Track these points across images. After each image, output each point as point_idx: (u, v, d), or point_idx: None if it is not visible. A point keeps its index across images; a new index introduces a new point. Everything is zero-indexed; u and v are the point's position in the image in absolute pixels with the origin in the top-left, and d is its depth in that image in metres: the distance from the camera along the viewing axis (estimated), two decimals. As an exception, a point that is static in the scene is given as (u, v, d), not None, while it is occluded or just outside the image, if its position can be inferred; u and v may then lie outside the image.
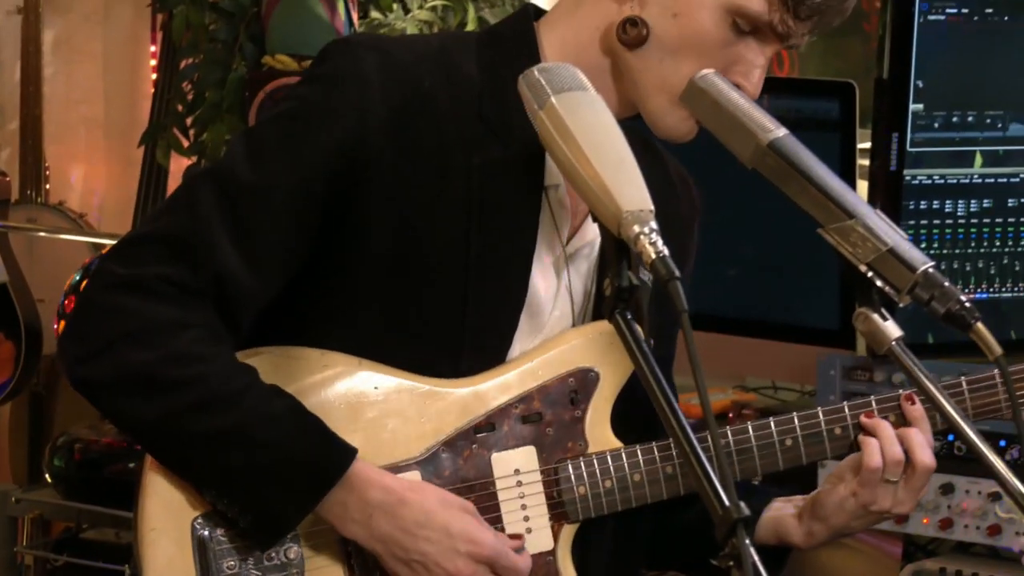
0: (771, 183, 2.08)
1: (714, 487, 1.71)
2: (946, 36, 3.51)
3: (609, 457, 2.30)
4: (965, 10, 3.50)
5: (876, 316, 2.01)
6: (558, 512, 2.30)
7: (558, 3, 2.38)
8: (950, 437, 3.46)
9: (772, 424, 2.34)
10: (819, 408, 2.38)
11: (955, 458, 3.44)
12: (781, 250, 3.54)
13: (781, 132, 2.06)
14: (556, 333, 2.34)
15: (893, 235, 1.99)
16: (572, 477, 2.29)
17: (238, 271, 2.19)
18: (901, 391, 2.38)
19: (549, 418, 2.31)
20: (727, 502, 1.70)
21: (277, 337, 2.28)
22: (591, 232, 2.34)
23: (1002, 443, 3.32)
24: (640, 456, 2.30)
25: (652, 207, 1.90)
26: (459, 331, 2.27)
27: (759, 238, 3.55)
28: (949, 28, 3.51)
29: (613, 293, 1.88)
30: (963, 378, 2.31)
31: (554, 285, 2.34)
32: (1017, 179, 3.56)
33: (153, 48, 5.43)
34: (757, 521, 2.44)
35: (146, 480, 2.27)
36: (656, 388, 1.81)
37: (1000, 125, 3.55)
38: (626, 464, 2.30)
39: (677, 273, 1.81)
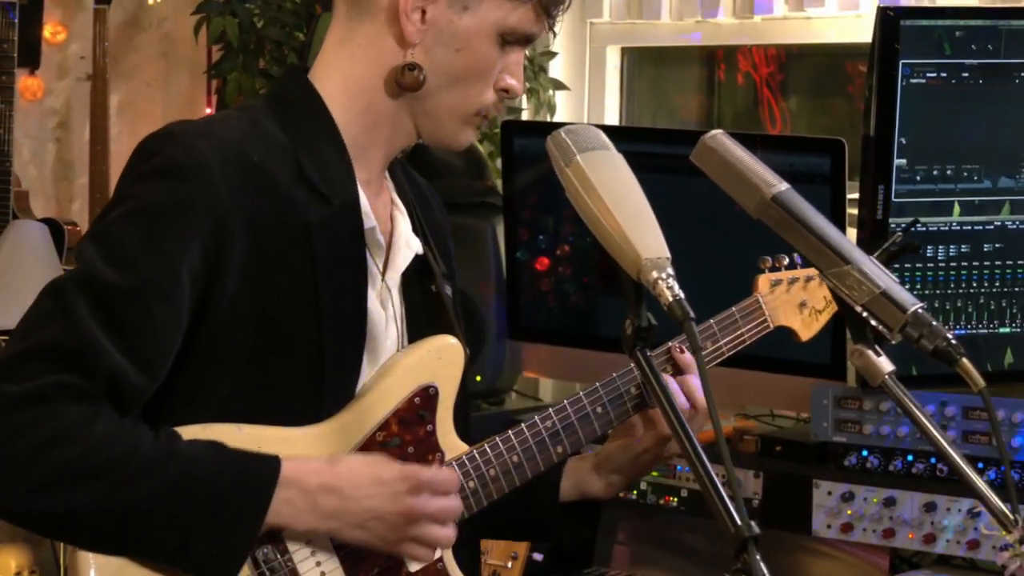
0: (773, 232, 2.08)
1: (728, 509, 1.71)
2: (927, 98, 3.50)
3: (466, 460, 2.31)
4: (943, 74, 3.50)
5: (870, 352, 2.01)
6: None
7: (320, 56, 2.39)
8: (932, 460, 3.45)
9: (583, 396, 2.39)
10: (614, 374, 2.44)
11: (937, 479, 3.43)
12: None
13: (783, 186, 2.06)
14: (388, 358, 2.36)
15: (885, 279, 1.99)
16: (460, 475, 2.32)
17: (128, 372, 2.14)
18: (670, 343, 2.46)
19: (408, 438, 2.32)
20: (739, 522, 1.70)
21: (161, 417, 2.23)
22: (400, 260, 2.38)
23: (980, 465, 3.31)
24: (490, 453, 2.33)
25: (668, 255, 1.91)
26: (321, 380, 2.28)
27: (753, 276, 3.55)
28: (929, 90, 3.51)
29: (633, 332, 1.89)
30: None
31: (382, 316, 2.36)
32: (992, 227, 3.55)
33: (208, 110, 5.43)
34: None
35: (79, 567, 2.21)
36: (676, 422, 1.81)
37: (976, 178, 3.55)
38: (480, 463, 2.32)
39: (692, 314, 1.83)
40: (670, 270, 1.90)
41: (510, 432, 2.35)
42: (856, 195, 3.60)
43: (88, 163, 5.51)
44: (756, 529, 1.70)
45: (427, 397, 2.33)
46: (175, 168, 2.21)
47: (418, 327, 2.40)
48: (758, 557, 1.66)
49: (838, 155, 3.55)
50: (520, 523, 2.60)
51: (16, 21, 5.08)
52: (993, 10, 3.85)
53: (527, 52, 2.42)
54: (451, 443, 2.34)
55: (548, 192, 3.82)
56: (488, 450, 2.33)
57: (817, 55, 4.68)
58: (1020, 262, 3.59)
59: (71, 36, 5.67)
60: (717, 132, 2.14)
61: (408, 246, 2.40)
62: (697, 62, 4.89)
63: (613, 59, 4.83)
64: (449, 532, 2.27)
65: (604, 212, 1.98)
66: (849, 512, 3.51)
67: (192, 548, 2.18)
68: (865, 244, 3.47)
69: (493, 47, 2.29)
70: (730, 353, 2.44)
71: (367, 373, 2.34)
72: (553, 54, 4.76)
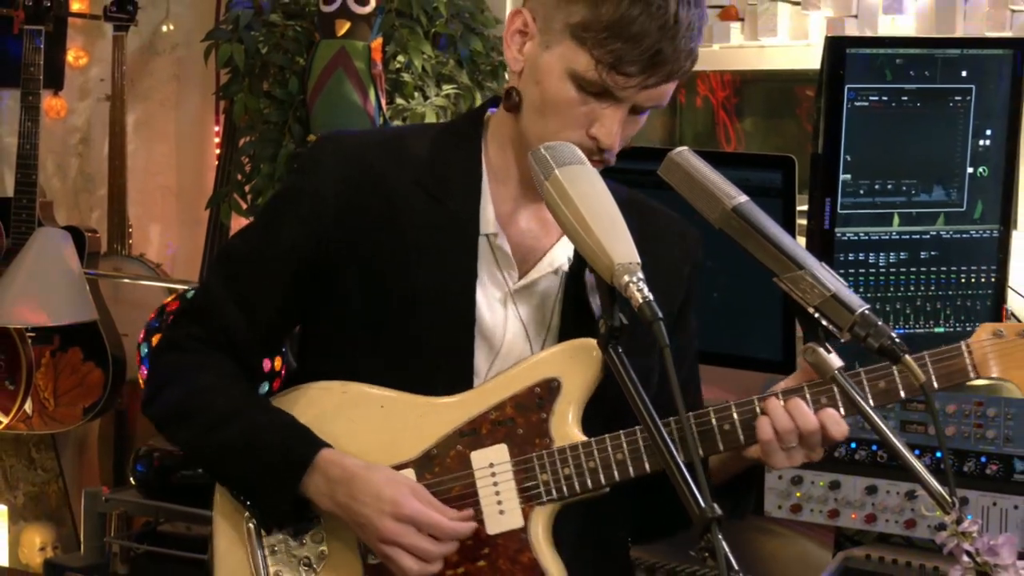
0: (734, 240, 2.07)
1: (692, 492, 1.70)
2: (869, 119, 3.50)
3: (568, 449, 2.27)
4: (885, 98, 3.50)
5: (822, 350, 2.00)
6: (527, 495, 2.28)
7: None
8: (873, 447, 3.45)
9: (711, 411, 2.25)
10: (754, 398, 2.27)
11: (878, 465, 3.43)
12: (737, 296, 3.53)
13: (743, 198, 2.06)
14: (512, 355, 2.34)
15: (835, 283, 1.99)
16: (536, 467, 2.27)
17: (238, 325, 2.38)
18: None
19: (519, 421, 2.29)
20: (704, 504, 1.69)
21: (320, 375, 2.38)
22: (538, 274, 2.34)
23: (916, 452, 3.31)
24: (595, 447, 2.27)
25: (639, 260, 1.90)
26: (422, 356, 2.32)
27: (721, 286, 3.54)
28: (872, 112, 3.50)
29: (607, 331, 1.88)
30: (860, 369, 2.23)
31: (502, 314, 2.33)
32: (928, 236, 3.55)
33: (217, 128, 5.42)
34: None
35: (217, 487, 2.42)
36: (642, 409, 1.81)
37: (914, 192, 3.55)
38: (582, 454, 2.27)
39: (660, 315, 1.83)
40: (640, 274, 1.90)
41: (621, 432, 2.29)
42: (805, 207, 3.59)
43: (107, 176, 5.50)
44: (719, 511, 1.69)
45: (549, 389, 2.29)
46: (303, 166, 2.48)
47: (570, 334, 2.34)
48: (720, 536, 1.65)
49: (789, 171, 3.54)
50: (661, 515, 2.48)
51: (42, 47, 5.07)
52: (929, 40, 3.85)
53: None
54: (564, 433, 2.28)
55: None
56: (594, 443, 2.28)
57: (769, 80, 4.67)
58: (953, 268, 3.59)
59: (92, 60, 5.65)
60: (683, 149, 2.14)
61: (553, 262, 2.35)
62: (661, 86, 4.89)
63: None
64: (417, 567, 2.22)
65: (580, 221, 1.98)
66: (798, 494, 3.50)
67: (248, 497, 2.34)
68: (815, 252, 3.47)
69: (568, 87, 2.21)
70: (906, 395, 2.18)
71: (484, 363, 2.33)
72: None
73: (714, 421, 2.24)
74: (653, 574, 3.61)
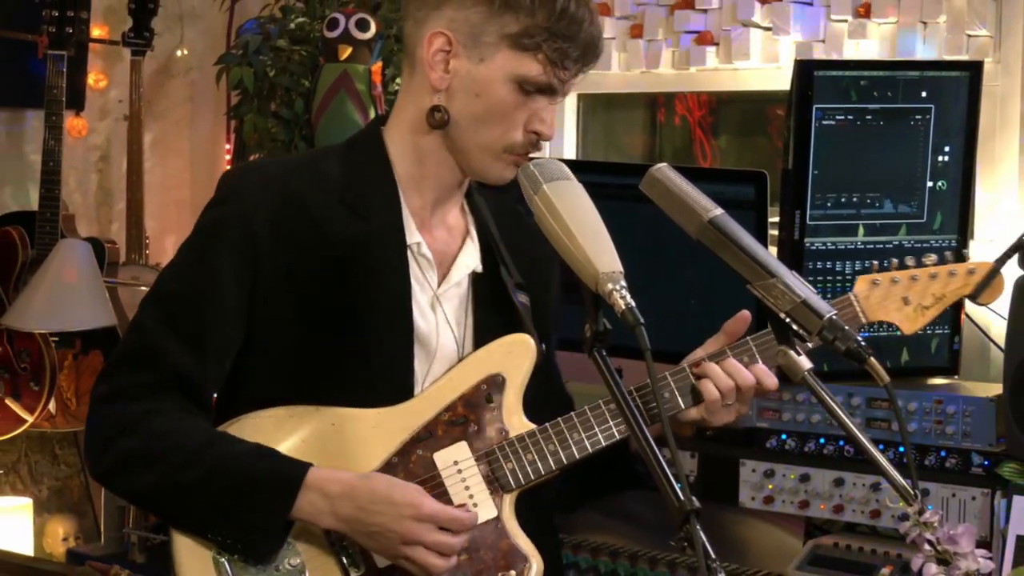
0: (710, 250, 2.07)
1: (672, 486, 1.70)
2: (836, 136, 3.51)
3: (526, 436, 2.29)
4: (851, 117, 3.51)
5: (792, 352, 2.00)
6: (495, 486, 2.29)
7: (395, 103, 2.40)
8: (840, 442, 3.45)
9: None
10: (685, 364, 2.39)
11: (845, 458, 3.43)
12: (713, 302, 3.53)
13: (718, 211, 2.06)
14: (446, 356, 2.34)
15: (805, 290, 1.99)
16: (499, 457, 2.28)
17: (187, 363, 2.25)
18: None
19: (472, 417, 2.30)
20: (683, 497, 1.68)
21: (258, 403, 2.29)
22: (456, 276, 2.36)
23: (881, 447, 3.31)
24: (551, 431, 2.29)
25: (622, 269, 1.91)
26: (367, 369, 2.28)
27: (698, 293, 3.54)
28: (839, 130, 3.51)
29: (592, 335, 1.88)
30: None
31: (432, 319, 2.34)
32: (891, 245, 3.55)
33: (228, 146, 5.41)
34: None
35: (174, 538, 2.27)
36: (626, 410, 1.80)
37: (877, 204, 3.55)
38: (540, 439, 2.29)
39: (642, 320, 1.83)
40: (623, 282, 1.90)
41: (573, 413, 2.31)
42: (777, 219, 3.60)
43: (125, 191, 5.49)
44: (697, 503, 1.69)
45: (494, 383, 2.31)
46: (225, 197, 2.32)
47: (494, 330, 2.37)
48: (699, 527, 1.65)
49: (761, 185, 3.55)
50: (600, 483, 2.54)
51: (64, 70, 5.06)
52: (891, 63, 3.85)
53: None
54: (516, 423, 2.31)
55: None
56: (548, 428, 2.30)
57: (743, 101, 4.67)
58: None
59: (111, 83, 5.65)
60: (662, 165, 2.13)
61: (466, 265, 2.38)
62: (641, 106, 4.89)
63: (571, 104, 4.82)
64: (442, 562, 2.21)
65: (567, 233, 1.99)
66: (770, 486, 3.50)
67: (231, 533, 2.22)
68: (785, 261, 3.47)
69: (511, 92, 2.25)
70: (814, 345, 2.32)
71: (422, 368, 2.33)
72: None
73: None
74: (635, 561, 3.60)
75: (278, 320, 2.26)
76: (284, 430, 2.26)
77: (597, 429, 2.30)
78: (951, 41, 3.94)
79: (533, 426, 2.31)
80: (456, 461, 2.29)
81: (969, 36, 3.92)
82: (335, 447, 2.26)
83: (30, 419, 4.99)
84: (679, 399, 2.32)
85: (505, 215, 2.48)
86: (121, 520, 4.45)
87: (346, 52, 4.41)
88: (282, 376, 2.29)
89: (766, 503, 3.52)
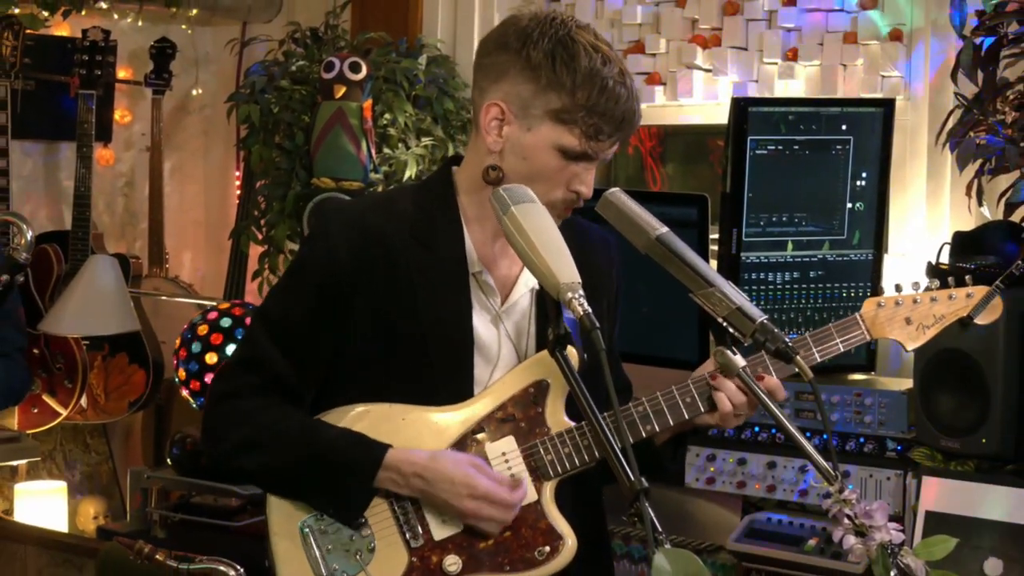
0: (658, 263, 2.07)
1: (624, 468, 1.70)
2: (768, 164, 3.52)
3: (564, 433, 2.30)
4: (780, 147, 3.52)
5: (729, 352, 2.01)
6: (536, 474, 2.30)
7: (465, 157, 2.41)
8: (773, 431, 3.46)
9: (674, 389, 2.31)
10: (706, 374, 2.31)
11: (776, 445, 3.44)
12: (661, 308, 3.54)
13: (664, 229, 2.07)
14: (508, 364, 2.35)
15: (739, 298, 2.00)
16: (540, 450, 2.30)
17: (288, 372, 2.35)
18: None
19: (520, 416, 2.32)
20: (632, 478, 1.69)
21: (345, 400, 2.36)
22: (516, 296, 2.36)
23: (808, 434, 3.32)
24: (586, 429, 2.29)
25: (579, 280, 1.91)
26: (432, 375, 2.32)
27: (648, 301, 3.55)
28: (770, 158, 3.52)
29: (555, 338, 1.89)
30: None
31: (495, 333, 2.34)
32: (816, 259, 3.57)
33: (237, 173, 5.40)
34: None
35: (268, 505, 2.37)
36: (583, 400, 1.81)
37: (804, 223, 3.57)
38: (576, 435, 2.30)
39: (597, 325, 1.84)
40: (581, 291, 1.91)
41: (606, 414, 2.30)
42: (717, 236, 3.61)
43: (147, 213, 5.48)
44: (646, 484, 1.70)
45: (540, 388, 2.32)
46: (313, 236, 2.41)
47: (544, 340, 2.33)
48: (647, 505, 1.66)
49: (703, 207, 3.56)
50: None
51: (94, 107, 5.05)
52: (815, 100, 3.87)
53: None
54: (557, 421, 2.32)
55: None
56: (584, 426, 2.30)
57: (687, 133, 4.68)
58: (837, 285, 3.61)
59: (135, 118, 5.63)
60: (615, 189, 2.14)
61: (526, 285, 2.38)
62: (599, 138, 4.89)
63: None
64: (497, 529, 2.28)
65: (532, 248, 1.99)
66: (712, 469, 3.51)
67: (326, 499, 2.32)
68: (724, 272, 3.48)
69: (553, 158, 2.25)
70: (823, 358, 2.32)
71: (484, 373, 2.35)
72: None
73: (677, 395, 2.30)
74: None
75: (361, 335, 2.31)
76: (364, 423, 2.32)
77: (625, 428, 2.30)
78: (867, 80, 3.96)
79: (572, 424, 2.32)
80: (504, 452, 2.31)
81: (883, 77, 3.94)
82: (408, 437, 2.30)
83: (64, 413, 4.97)
84: (699, 404, 2.31)
85: (578, 240, 2.38)
86: (145, 501, 4.44)
87: (340, 91, 4.40)
88: (362, 380, 2.34)
89: (708, 484, 3.53)
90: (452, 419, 2.32)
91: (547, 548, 2.29)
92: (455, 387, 2.33)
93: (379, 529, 2.31)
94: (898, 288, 2.38)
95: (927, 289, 2.38)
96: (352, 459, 2.28)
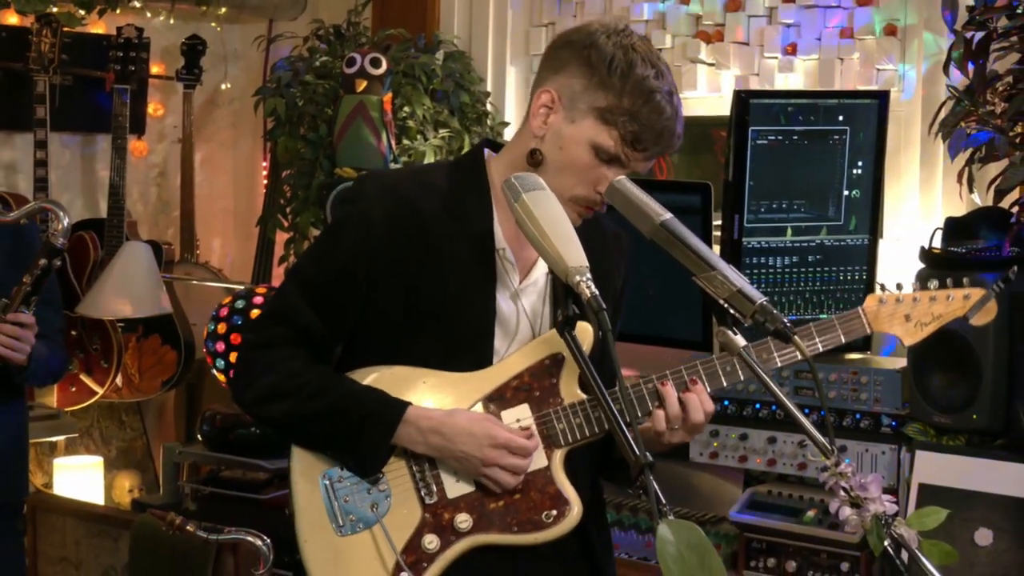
0: (662, 248, 2.07)
1: (630, 443, 1.70)
2: (768, 153, 3.51)
3: (576, 404, 2.31)
4: (780, 137, 3.51)
5: (730, 332, 2.00)
6: (548, 441, 2.31)
7: (509, 143, 2.40)
8: (773, 407, 3.45)
9: (683, 369, 2.32)
10: (714, 357, 2.33)
11: (777, 421, 3.44)
12: (667, 291, 3.54)
13: (667, 215, 2.05)
14: (524, 338, 2.35)
15: (740, 280, 1.98)
16: (553, 419, 2.31)
17: (315, 324, 2.33)
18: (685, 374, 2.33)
19: (535, 386, 2.32)
20: (639, 452, 1.68)
21: (369, 360, 2.35)
22: (534, 276, 2.36)
23: (806, 411, 3.31)
24: (619, 394, 2.28)
25: (587, 264, 1.90)
26: (453, 341, 2.31)
27: (654, 284, 3.54)
28: (770, 148, 3.51)
29: (563, 319, 1.88)
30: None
31: (514, 309, 2.34)
32: (814, 244, 3.56)
33: (264, 164, 5.40)
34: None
35: (292, 455, 2.38)
36: (590, 378, 1.80)
37: (802, 210, 3.56)
38: (588, 407, 2.30)
39: (604, 306, 1.83)
40: (588, 275, 1.91)
41: (616, 388, 2.31)
42: (719, 222, 3.60)
43: (179, 201, 5.49)
44: (651, 458, 1.69)
45: (555, 360, 2.33)
46: (349, 198, 2.39)
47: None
48: (652, 478, 1.65)
49: (706, 194, 3.55)
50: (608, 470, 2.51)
51: (128, 101, 5.05)
52: (814, 92, 3.86)
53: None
54: (570, 392, 2.32)
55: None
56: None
57: (691, 125, 4.62)
58: (834, 268, 3.59)
59: (167, 111, 5.63)
60: (622, 178, 2.13)
61: (544, 268, 2.37)
62: (608, 129, 4.87)
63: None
64: (513, 480, 2.28)
65: (542, 234, 1.99)
66: (715, 444, 3.51)
67: (346, 451, 2.32)
68: (726, 256, 3.47)
69: (587, 154, 2.24)
70: (825, 348, 2.33)
71: (503, 346, 2.34)
72: (507, 124, 4.75)
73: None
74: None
75: (388, 297, 2.30)
76: (386, 382, 2.32)
77: (635, 402, 2.31)
78: (863, 73, 3.94)
79: (584, 396, 2.32)
80: (518, 419, 2.32)
81: (878, 70, 3.92)
82: (428, 398, 2.31)
83: (100, 391, 4.98)
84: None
85: (590, 231, 2.38)
86: (176, 475, 4.46)
87: (362, 85, 4.40)
88: (388, 341, 2.33)
89: (712, 458, 3.52)
90: (471, 384, 2.32)
91: (554, 512, 2.29)
92: (475, 356, 2.32)
93: (396, 484, 2.31)
94: (899, 287, 2.40)
95: (926, 289, 2.39)
96: (373, 413, 2.28)
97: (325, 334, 2.35)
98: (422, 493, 2.31)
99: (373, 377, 2.33)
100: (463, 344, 2.32)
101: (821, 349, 2.32)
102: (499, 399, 2.32)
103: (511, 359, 2.34)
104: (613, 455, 2.37)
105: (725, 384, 2.32)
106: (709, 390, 2.31)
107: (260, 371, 2.35)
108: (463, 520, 2.29)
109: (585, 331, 2.27)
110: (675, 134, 2.26)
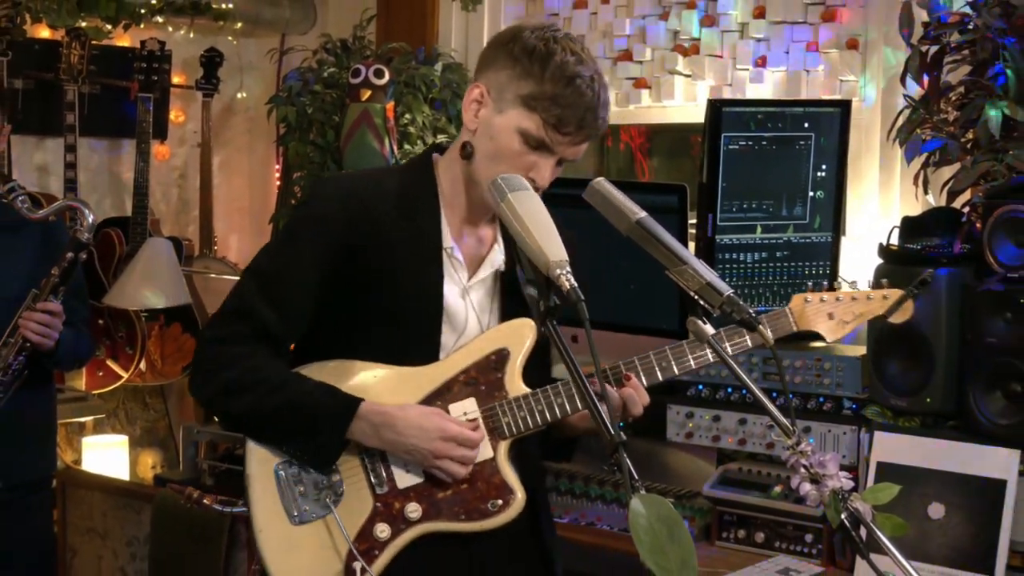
0: (638, 244, 2.06)
1: (605, 423, 1.69)
2: (739, 158, 3.50)
3: (521, 398, 2.28)
4: (751, 142, 3.50)
5: (700, 322, 1.99)
6: (494, 434, 2.28)
7: (451, 144, 2.38)
8: (743, 392, 3.44)
9: (621, 364, 2.33)
10: (650, 353, 2.36)
11: (746, 404, 3.43)
12: (645, 284, 3.53)
13: (643, 214, 2.04)
14: (472, 333, 2.32)
15: (709, 274, 1.98)
16: (499, 412, 2.28)
17: (272, 321, 2.26)
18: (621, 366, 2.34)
19: (481, 380, 2.29)
20: (612, 432, 1.67)
21: (320, 355, 2.31)
22: (482, 274, 2.34)
23: (774, 394, 3.31)
24: (540, 395, 2.29)
25: (567, 258, 1.89)
26: (403, 337, 2.28)
27: (633, 278, 3.53)
28: (741, 153, 3.50)
29: (545, 310, 1.87)
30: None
31: (462, 305, 2.31)
32: (781, 241, 3.55)
33: (277, 167, 5.39)
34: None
35: (247, 448, 2.31)
36: (571, 367, 1.79)
37: (771, 209, 3.54)
38: (531, 400, 2.28)
39: (583, 297, 1.82)
40: (568, 268, 1.89)
41: (559, 383, 2.30)
42: (695, 221, 3.59)
43: (198, 201, 5.48)
44: (624, 437, 1.68)
45: (500, 355, 2.30)
46: (306, 199, 2.35)
47: (511, 315, 2.35)
48: (625, 455, 1.64)
49: (682, 195, 3.54)
50: (554, 447, 2.50)
51: (151, 109, 5.04)
52: (781, 101, 3.84)
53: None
54: (515, 387, 2.29)
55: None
56: (539, 392, 2.29)
57: (670, 131, 4.66)
58: (800, 263, 3.59)
59: (187, 118, 5.62)
60: (600, 179, 2.12)
61: (492, 265, 2.35)
62: (593, 135, 4.87)
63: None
64: (464, 470, 2.25)
65: (526, 230, 1.96)
66: (690, 425, 3.50)
67: (301, 446, 2.25)
68: (701, 252, 3.47)
69: (515, 141, 2.21)
70: (753, 344, 2.32)
71: (450, 340, 2.31)
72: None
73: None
74: (588, 482, 3.59)
75: (343, 295, 2.26)
76: (339, 376, 2.27)
77: (575, 395, 2.29)
78: (827, 84, 3.94)
79: (528, 390, 2.30)
80: (465, 412, 2.28)
81: (841, 81, 3.92)
82: (378, 392, 2.26)
83: (125, 375, 4.98)
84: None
85: None
86: (195, 453, 4.45)
87: (366, 94, 4.39)
88: (341, 336, 2.29)
89: (687, 438, 3.51)
90: (419, 378, 2.28)
91: (500, 501, 2.27)
92: (423, 350, 2.29)
93: (348, 476, 2.27)
94: (853, 284, 2.48)
95: (848, 290, 2.41)
96: (328, 409, 2.23)
97: (282, 331, 2.28)
98: (373, 484, 2.26)
99: (326, 372, 2.27)
100: (412, 339, 2.28)
101: (749, 344, 2.31)
102: (447, 393, 2.28)
103: (458, 354, 2.30)
104: (549, 439, 2.39)
105: (661, 379, 2.32)
106: (646, 384, 2.31)
107: (219, 367, 2.25)
108: (413, 510, 2.25)
109: (527, 326, 2.29)
110: (598, 117, 2.22)
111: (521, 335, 2.31)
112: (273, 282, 2.26)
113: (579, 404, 2.28)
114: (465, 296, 2.32)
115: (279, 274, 2.27)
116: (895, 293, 2.39)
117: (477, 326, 2.33)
